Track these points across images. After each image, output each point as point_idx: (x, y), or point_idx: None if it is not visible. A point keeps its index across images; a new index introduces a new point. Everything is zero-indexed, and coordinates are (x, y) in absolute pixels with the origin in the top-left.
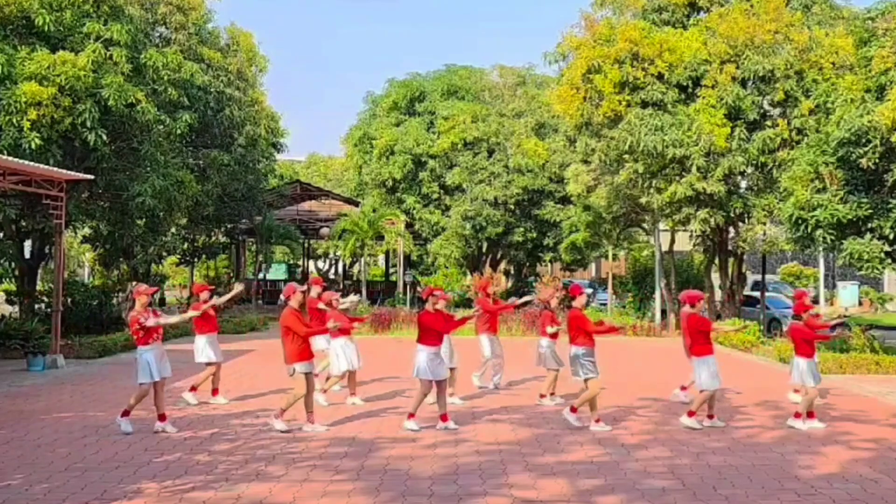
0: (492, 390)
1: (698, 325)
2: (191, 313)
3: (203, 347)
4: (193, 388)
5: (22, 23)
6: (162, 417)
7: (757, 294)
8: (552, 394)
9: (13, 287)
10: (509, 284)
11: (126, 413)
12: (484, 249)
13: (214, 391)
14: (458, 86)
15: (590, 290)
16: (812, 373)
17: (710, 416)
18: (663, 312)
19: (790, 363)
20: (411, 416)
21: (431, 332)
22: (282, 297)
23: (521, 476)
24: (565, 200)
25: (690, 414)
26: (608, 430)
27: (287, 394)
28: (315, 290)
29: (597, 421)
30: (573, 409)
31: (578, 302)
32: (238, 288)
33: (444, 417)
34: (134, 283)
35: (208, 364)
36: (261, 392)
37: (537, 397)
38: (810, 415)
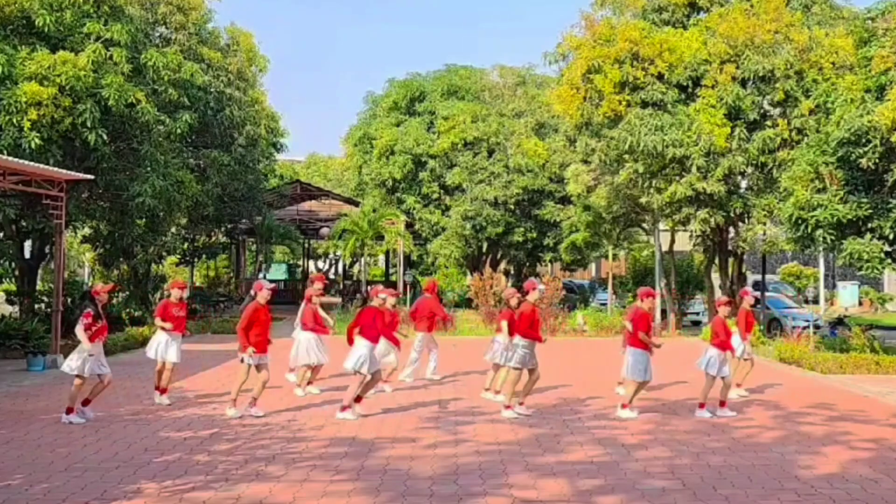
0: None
1: (640, 321)
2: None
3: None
4: (164, 391)
5: (22, 23)
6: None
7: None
8: (496, 391)
9: (13, 287)
10: (509, 284)
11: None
12: (484, 249)
13: (163, 389)
14: (458, 86)
15: (542, 287)
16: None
17: (625, 406)
18: (663, 312)
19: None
20: (354, 402)
21: (374, 328)
22: (252, 291)
23: (521, 476)
24: (565, 200)
25: (624, 405)
26: (516, 415)
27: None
28: (317, 286)
29: (503, 401)
30: (504, 403)
31: (532, 297)
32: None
33: (359, 399)
34: (95, 283)
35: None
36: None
37: (482, 392)
38: (722, 403)
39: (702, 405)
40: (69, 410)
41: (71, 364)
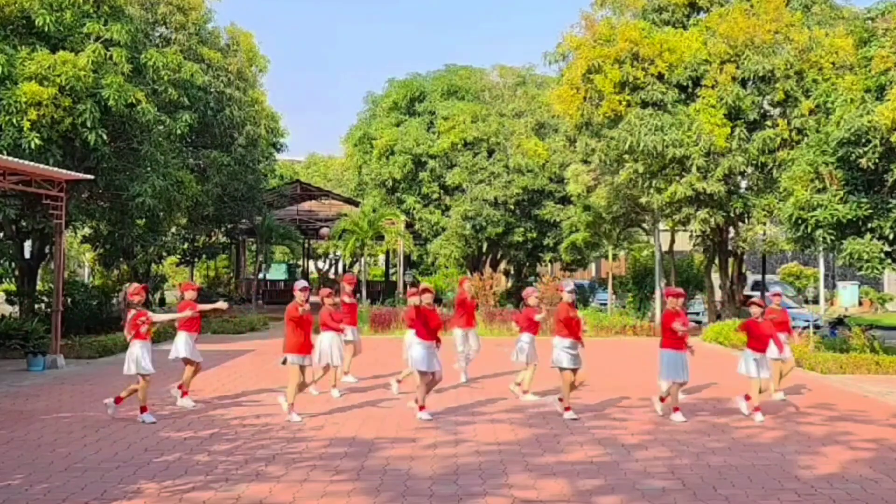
0: (484, 386)
1: (665, 320)
2: (181, 314)
3: (183, 345)
4: (185, 392)
5: (22, 23)
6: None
7: (757, 294)
8: (525, 391)
9: (13, 287)
10: (509, 284)
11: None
12: (484, 249)
13: (185, 392)
14: (458, 86)
15: (572, 286)
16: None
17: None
18: None
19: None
20: (422, 407)
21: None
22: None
23: (521, 476)
24: (565, 200)
25: (675, 409)
26: (573, 417)
27: (287, 387)
28: (346, 287)
29: (566, 409)
30: (561, 399)
31: (567, 297)
32: (222, 305)
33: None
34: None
35: (186, 362)
36: (259, 391)
37: (520, 393)
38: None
39: (757, 408)
40: (143, 409)
41: (144, 365)
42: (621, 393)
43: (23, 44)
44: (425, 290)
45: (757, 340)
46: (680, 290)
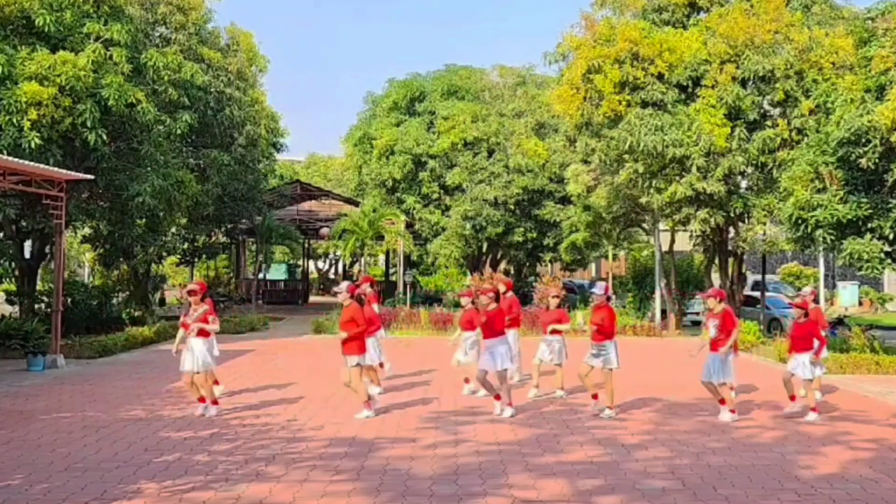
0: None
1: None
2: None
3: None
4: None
5: (22, 23)
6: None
7: (757, 294)
8: (562, 387)
9: (13, 287)
10: None
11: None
12: (484, 249)
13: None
14: (458, 86)
15: (595, 289)
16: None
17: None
18: (663, 312)
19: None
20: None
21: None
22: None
23: (521, 476)
24: (565, 200)
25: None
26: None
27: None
28: (366, 287)
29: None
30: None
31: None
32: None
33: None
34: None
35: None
36: (259, 390)
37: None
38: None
39: (814, 409)
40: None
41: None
42: (621, 393)
43: (23, 44)
44: (479, 292)
45: (799, 341)
46: (715, 290)
